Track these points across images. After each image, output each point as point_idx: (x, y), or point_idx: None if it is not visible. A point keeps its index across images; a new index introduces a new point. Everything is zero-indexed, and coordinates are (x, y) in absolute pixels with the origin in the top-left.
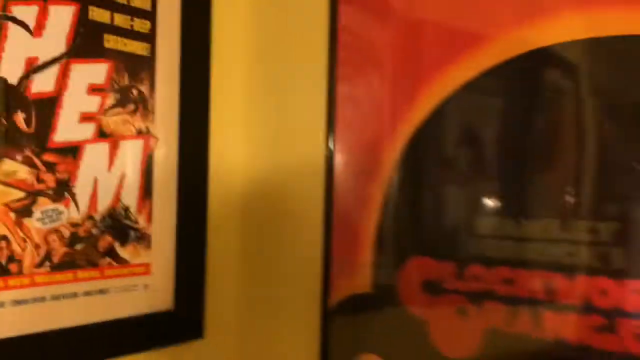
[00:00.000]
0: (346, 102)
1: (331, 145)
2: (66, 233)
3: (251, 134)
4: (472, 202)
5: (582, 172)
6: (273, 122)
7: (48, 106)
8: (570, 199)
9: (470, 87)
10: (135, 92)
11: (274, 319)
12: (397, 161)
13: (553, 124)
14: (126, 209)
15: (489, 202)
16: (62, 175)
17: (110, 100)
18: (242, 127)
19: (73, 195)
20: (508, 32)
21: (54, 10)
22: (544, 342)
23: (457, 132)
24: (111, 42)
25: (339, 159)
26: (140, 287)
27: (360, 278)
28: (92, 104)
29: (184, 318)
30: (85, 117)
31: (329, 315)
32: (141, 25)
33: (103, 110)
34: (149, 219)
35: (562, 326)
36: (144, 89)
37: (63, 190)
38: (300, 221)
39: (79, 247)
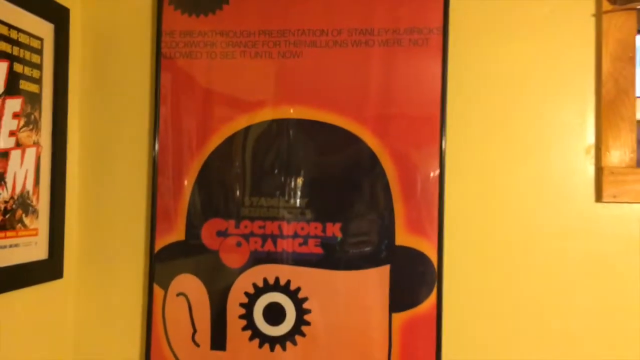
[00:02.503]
0: (167, 134)
1: (155, 152)
2: (2, 207)
3: (87, 149)
4: (241, 189)
5: (283, 176)
6: (105, 122)
7: None
8: (281, 189)
9: (240, 133)
10: (33, 116)
11: (111, 265)
12: (200, 169)
13: (275, 151)
14: (28, 192)
15: (249, 189)
16: (1, 170)
17: (22, 122)
18: (79, 141)
19: (5, 183)
20: (262, 108)
21: (0, 65)
22: (277, 253)
23: (234, 154)
24: (22, 84)
25: (162, 165)
26: (33, 244)
27: (177, 233)
28: (14, 124)
29: (52, 264)
30: (11, 133)
31: (155, 255)
32: (36, 73)
33: (19, 129)
34: (38, 199)
35: (286, 245)
36: (37, 114)
37: (1, 179)
38: (129, 207)
39: (8, 216)
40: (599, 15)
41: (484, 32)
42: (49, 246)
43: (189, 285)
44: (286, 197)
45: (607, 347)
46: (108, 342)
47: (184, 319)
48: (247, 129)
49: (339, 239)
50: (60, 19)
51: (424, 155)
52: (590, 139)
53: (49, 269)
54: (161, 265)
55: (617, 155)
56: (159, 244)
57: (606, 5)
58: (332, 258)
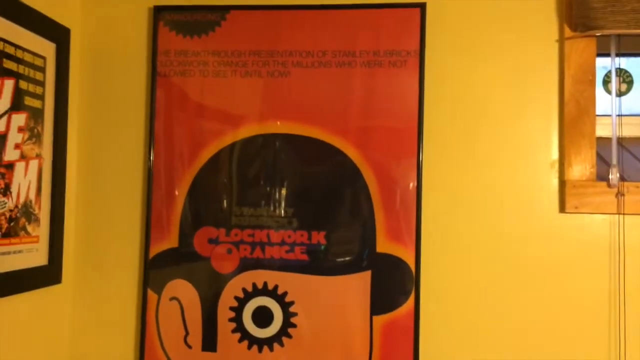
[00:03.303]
0: (161, 147)
1: (150, 164)
2: (7, 215)
3: (85, 161)
4: (231, 200)
5: (270, 187)
6: (104, 149)
7: (1, 140)
8: (269, 199)
9: (230, 146)
10: (36, 130)
11: (106, 271)
12: (192, 180)
13: (260, 163)
14: (31, 202)
15: (239, 200)
16: (6, 181)
17: (26, 135)
18: (78, 153)
19: (10, 193)
20: (250, 123)
21: (7, 82)
22: (265, 260)
23: (224, 166)
24: (27, 100)
25: (156, 176)
26: (34, 250)
27: (170, 241)
28: (19, 137)
29: (51, 270)
30: (16, 146)
31: (149, 261)
32: (39, 90)
33: (23, 142)
34: (39, 208)
35: (274, 252)
36: (39, 128)
37: (7, 190)
38: (125, 216)
39: (12, 224)
40: (561, 40)
41: (458, 55)
42: (48, 252)
43: (181, 290)
44: (273, 207)
45: (568, 343)
46: (103, 343)
47: (177, 322)
48: (237, 143)
49: (323, 246)
50: (61, 38)
51: (403, 167)
52: (554, 154)
53: (48, 274)
54: (155, 271)
55: (579, 169)
56: (153, 251)
57: (568, 32)
58: (317, 264)
